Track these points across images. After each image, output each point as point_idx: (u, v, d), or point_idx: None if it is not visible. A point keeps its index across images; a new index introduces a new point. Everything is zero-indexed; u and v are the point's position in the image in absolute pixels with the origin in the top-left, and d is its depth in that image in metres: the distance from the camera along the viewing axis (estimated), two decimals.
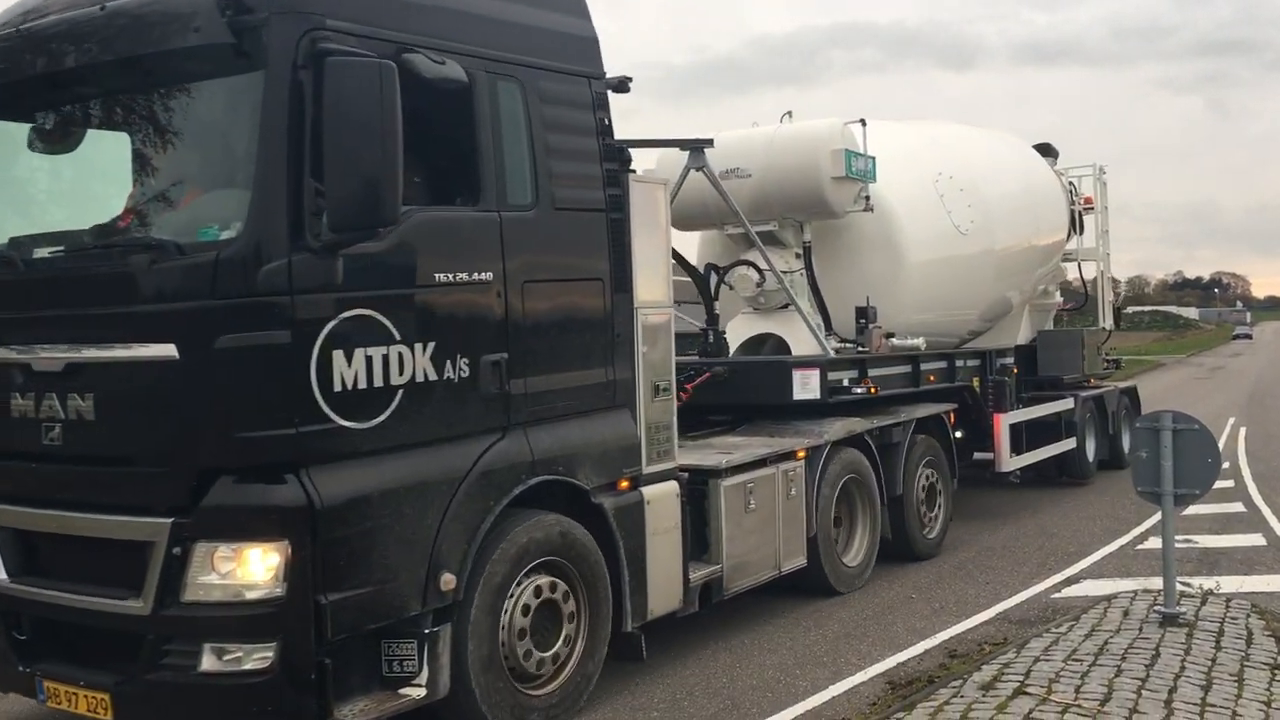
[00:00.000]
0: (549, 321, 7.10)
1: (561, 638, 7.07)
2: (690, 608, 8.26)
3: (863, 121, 11.91)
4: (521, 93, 6.98)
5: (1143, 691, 7.01)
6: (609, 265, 7.58)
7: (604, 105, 7.63)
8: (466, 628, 6.44)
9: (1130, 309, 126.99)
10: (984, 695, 6.99)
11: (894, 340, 12.01)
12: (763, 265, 12.01)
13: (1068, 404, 16.04)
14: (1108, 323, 18.48)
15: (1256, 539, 12.72)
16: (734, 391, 10.70)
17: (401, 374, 6.14)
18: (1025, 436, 14.85)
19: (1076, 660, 7.67)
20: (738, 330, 12.60)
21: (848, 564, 10.36)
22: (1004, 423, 13.76)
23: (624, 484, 7.65)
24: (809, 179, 11.65)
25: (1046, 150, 18.01)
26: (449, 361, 6.41)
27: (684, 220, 12.41)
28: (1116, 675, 7.33)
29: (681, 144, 11.40)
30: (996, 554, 12.11)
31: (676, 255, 11.41)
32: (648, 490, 7.81)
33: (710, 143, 11.36)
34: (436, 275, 6.38)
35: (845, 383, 10.96)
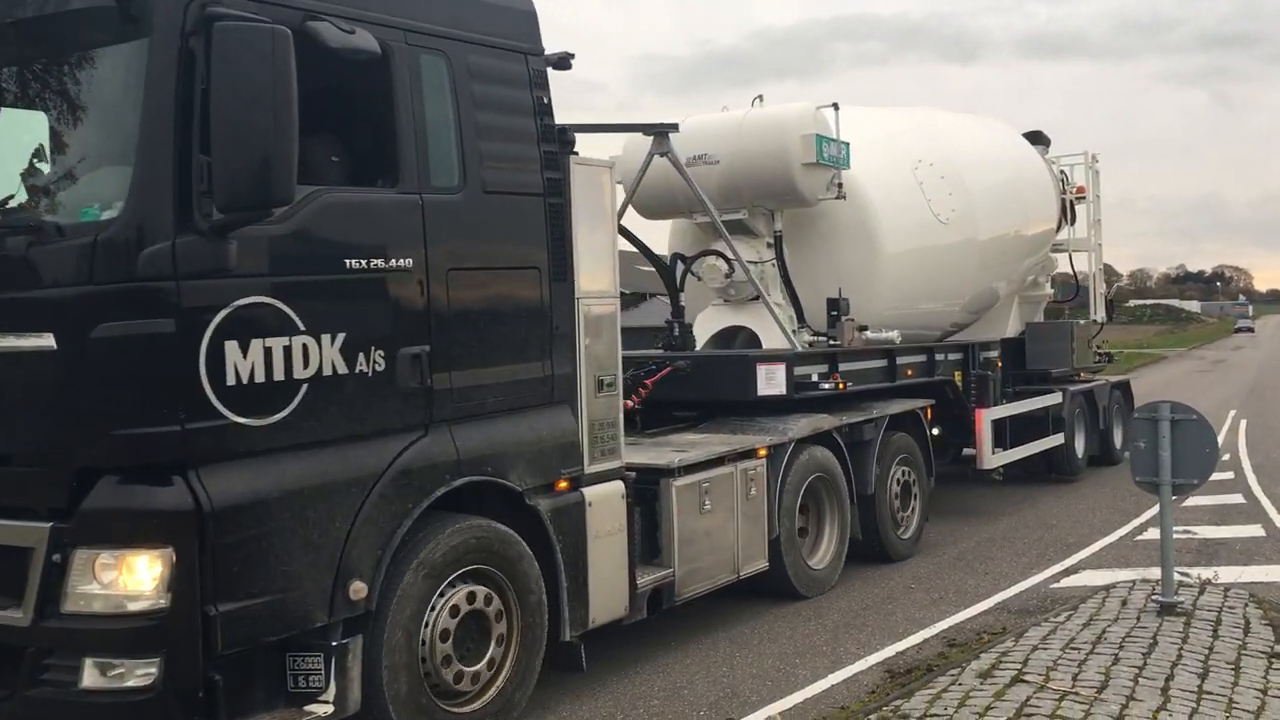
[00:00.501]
0: (478, 312, 6.66)
1: (490, 650, 6.62)
2: (637, 615, 7.82)
3: (835, 106, 11.45)
4: (448, 67, 6.53)
5: (1139, 679, 7.04)
6: (547, 253, 7.13)
7: (542, 83, 7.18)
8: (381, 640, 6.00)
9: (1132, 302, 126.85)
10: (982, 683, 7.04)
11: (868, 333, 11.56)
12: (731, 255, 11.58)
13: (1055, 399, 15.58)
14: (1100, 315, 18.00)
15: (1256, 530, 12.69)
16: (697, 387, 10.26)
17: (306, 367, 5.70)
18: (1010, 432, 14.42)
19: (1074, 649, 7.70)
20: (707, 323, 12.16)
21: (814, 567, 9.91)
22: (986, 418, 13.32)
23: (563, 485, 7.21)
24: (778, 165, 11.21)
25: (1037, 138, 17.56)
26: (362, 354, 5.96)
27: (651, 208, 12.01)
28: (1114, 663, 7.36)
29: (645, 129, 10.96)
30: (996, 545, 12.14)
31: (640, 245, 11.01)
32: (590, 491, 7.37)
33: (675, 127, 10.92)
34: (348, 261, 5.93)
35: (814, 378, 10.52)
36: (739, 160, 11.36)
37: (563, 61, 7.49)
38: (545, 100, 7.18)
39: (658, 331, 11.59)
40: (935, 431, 12.15)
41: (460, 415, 6.54)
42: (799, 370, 10.28)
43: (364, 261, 5.98)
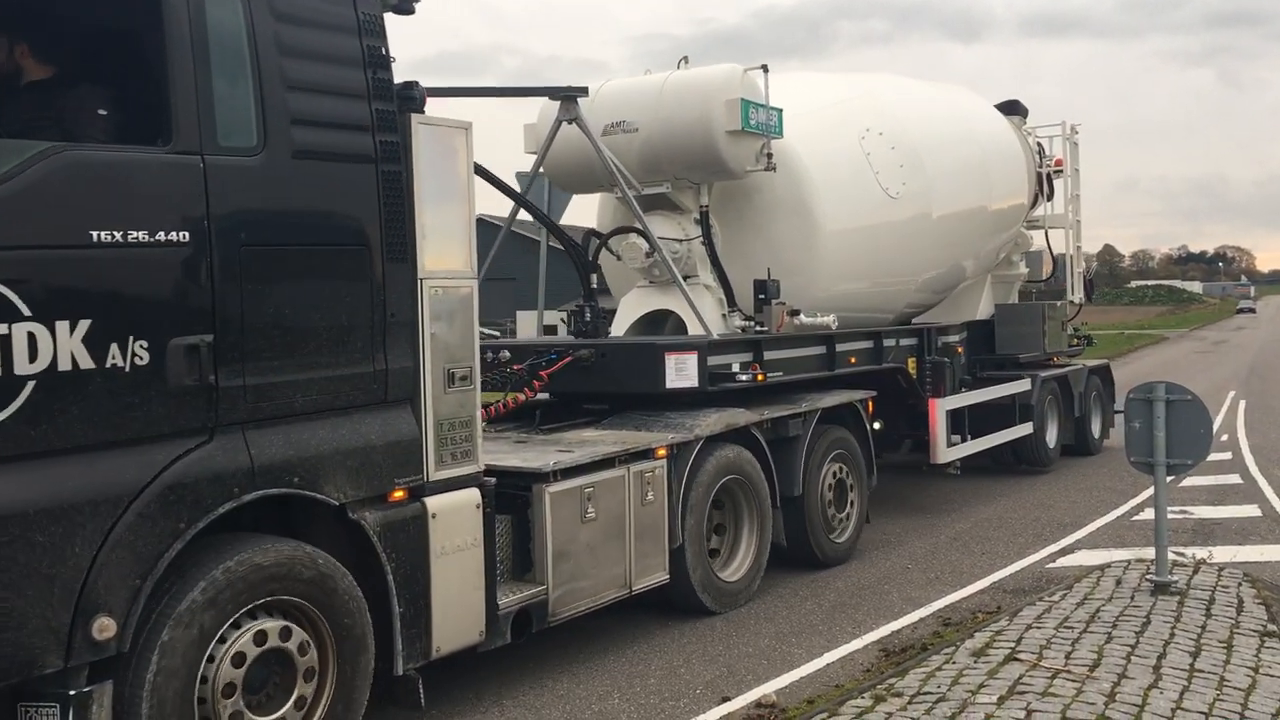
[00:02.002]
0: (283, 297, 5.67)
1: (295, 695, 5.65)
2: (497, 640, 6.86)
3: (765, 68, 10.42)
4: (244, 6, 5.53)
5: (1132, 658, 7.10)
6: (379, 228, 6.15)
7: (376, 30, 6.19)
8: (141, 687, 5.03)
9: (1134, 283, 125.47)
10: (975, 662, 7.11)
11: (801, 318, 10.55)
12: (658, 233, 10.60)
13: (1023, 385, 14.60)
14: (1077, 296, 16.98)
15: (1252, 510, 12.73)
16: (602, 378, 9.29)
17: (32, 360, 4.71)
18: (970, 423, 13.47)
19: (1068, 628, 7.76)
20: (631, 306, 11.21)
21: (727, 578, 8.94)
22: (940, 409, 12.34)
23: (398, 495, 6.23)
24: (700, 133, 10.21)
25: (1013, 108, 16.57)
26: (116, 345, 4.98)
27: (569, 181, 11.07)
28: (1107, 642, 7.42)
29: (550, 92, 9.98)
30: (993, 525, 12.16)
31: (545, 219, 10.03)
32: (435, 501, 6.40)
33: (584, 91, 9.94)
34: (95, 233, 4.93)
35: (736, 368, 9.53)
36: (659, 128, 10.38)
37: (403, 5, 6.48)
38: (380, 50, 6.19)
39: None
40: (877, 426, 11.15)
41: (259, 417, 5.56)
42: (715, 360, 9.30)
43: (118, 233, 4.99)
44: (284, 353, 5.66)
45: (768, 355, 9.93)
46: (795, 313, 10.44)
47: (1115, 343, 46.13)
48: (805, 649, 8.07)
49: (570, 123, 9.94)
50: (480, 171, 9.68)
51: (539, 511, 7.22)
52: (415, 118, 6.42)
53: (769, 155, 10.43)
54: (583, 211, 28.23)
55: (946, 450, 12.40)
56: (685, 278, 10.90)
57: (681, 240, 10.75)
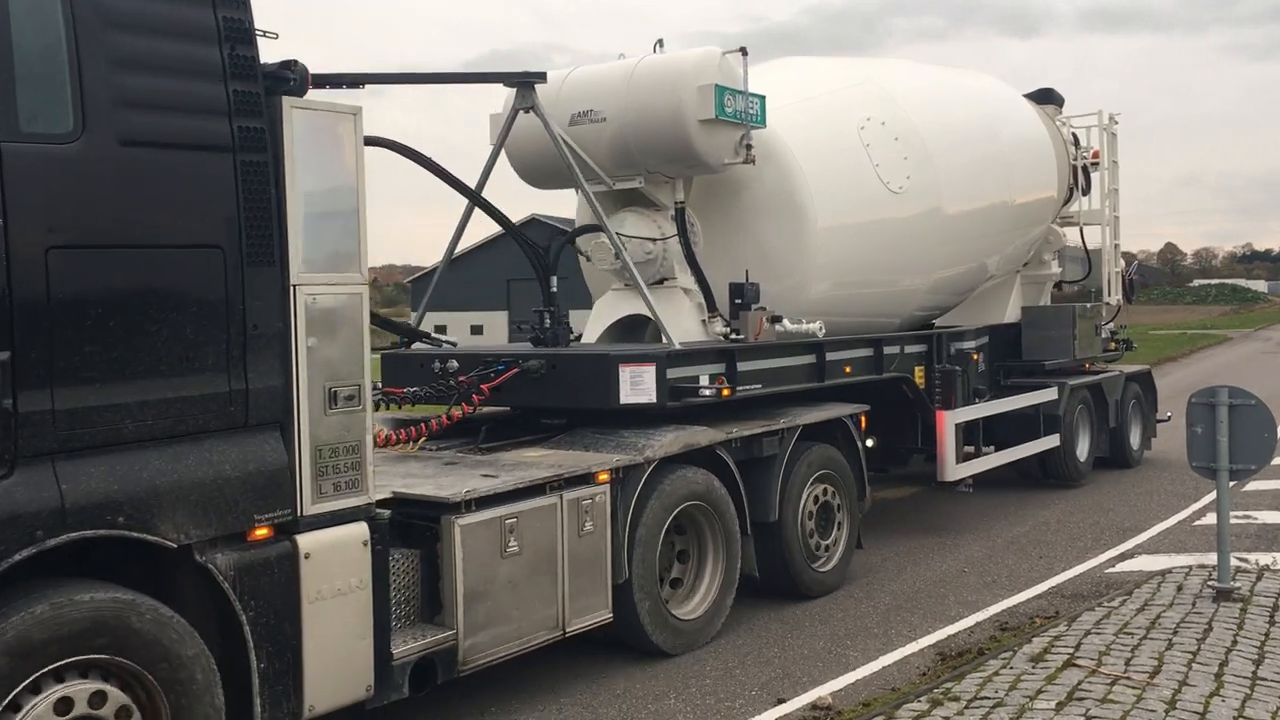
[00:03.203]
0: (106, 307, 4.91)
1: None
2: (390, 694, 6.06)
3: (744, 51, 9.52)
4: None
5: (1193, 664, 7.01)
6: (237, 227, 5.37)
7: (236, 1, 5.39)
8: None
9: (1197, 282, 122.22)
10: (1033, 667, 7.06)
11: (786, 324, 9.65)
12: (633, 233, 9.80)
13: (1049, 394, 13.55)
14: (1114, 296, 15.87)
15: None
16: (552, 392, 8.45)
17: None
18: (994, 435, 12.51)
19: (1128, 634, 7.69)
20: (605, 311, 10.40)
21: (684, 615, 8.06)
22: (949, 422, 11.35)
23: (260, 533, 5.45)
24: (671, 123, 9.35)
25: (1047, 96, 15.56)
26: None
27: (535, 176, 10.26)
28: (1167, 648, 7.34)
29: (505, 79, 9.15)
30: (1051, 529, 11.98)
31: (500, 217, 9.20)
32: (309, 539, 5.61)
33: (541, 77, 9.12)
34: None
35: (705, 381, 8.65)
36: (629, 117, 9.54)
37: None
38: (241, 22, 5.42)
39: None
40: (870, 443, 10.20)
41: (74, 447, 4.79)
42: (678, 373, 8.42)
43: None
44: (108, 371, 4.89)
45: (743, 366, 9.04)
46: (777, 319, 9.54)
47: (1176, 343, 44.58)
48: (861, 652, 8.04)
49: (527, 111, 9.13)
50: (433, 167, 8.94)
51: (448, 546, 6.41)
52: (289, 101, 5.64)
53: (748, 146, 9.54)
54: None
55: (956, 467, 11.42)
56: (661, 280, 10.10)
57: (656, 240, 9.88)
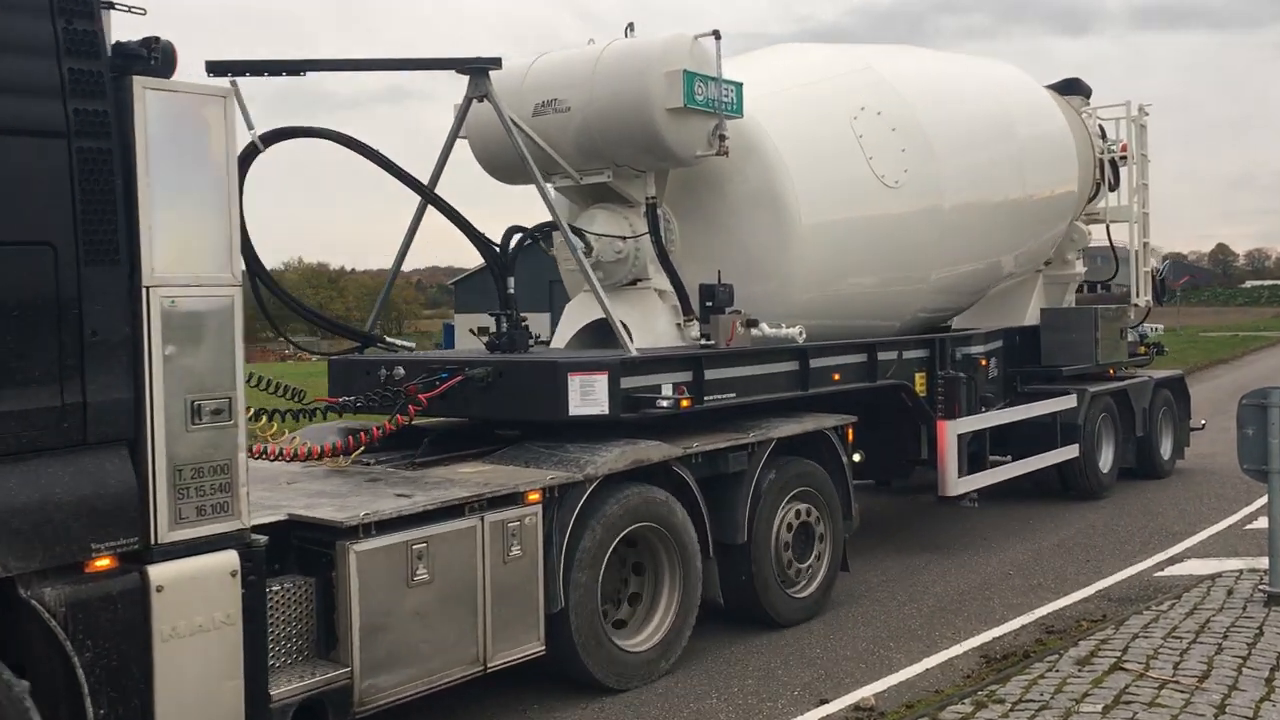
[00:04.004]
0: None
1: None
2: None
3: (716, 34, 8.84)
4: None
5: (1243, 669, 6.93)
6: (71, 221, 4.78)
7: None
8: None
9: (1249, 283, 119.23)
10: (1080, 670, 7.02)
11: (764, 328, 8.95)
12: (602, 230, 9.16)
13: (1068, 402, 12.73)
14: (1143, 298, 14.98)
15: None
16: (499, 402, 7.82)
17: None
18: (1002, 446, 11.75)
19: (1176, 638, 7.62)
20: (575, 314, 9.76)
21: (634, 646, 7.39)
22: (950, 433, 10.59)
23: (100, 564, 4.85)
24: (637, 112, 8.70)
25: (1072, 87, 14.77)
26: None
27: (501, 169, 9.64)
28: (1217, 653, 7.27)
29: (457, 65, 8.52)
30: (1099, 532, 11.82)
31: (454, 214, 8.59)
32: (163, 570, 5.01)
33: (496, 63, 8.50)
34: None
35: (668, 391, 7.98)
36: (594, 107, 8.90)
37: None
38: None
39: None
40: (857, 457, 9.46)
41: None
42: (636, 381, 7.77)
43: None
44: None
45: (712, 375, 8.36)
46: (753, 323, 8.85)
47: (1228, 345, 43.26)
48: (904, 653, 7.97)
49: (481, 100, 8.51)
50: (380, 160, 8.37)
51: (343, 575, 5.80)
52: (142, 82, 5.03)
53: (722, 137, 8.86)
54: None
55: (958, 481, 10.64)
56: (634, 281, 9.45)
57: (626, 238, 9.22)
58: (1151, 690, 6.62)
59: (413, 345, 9.32)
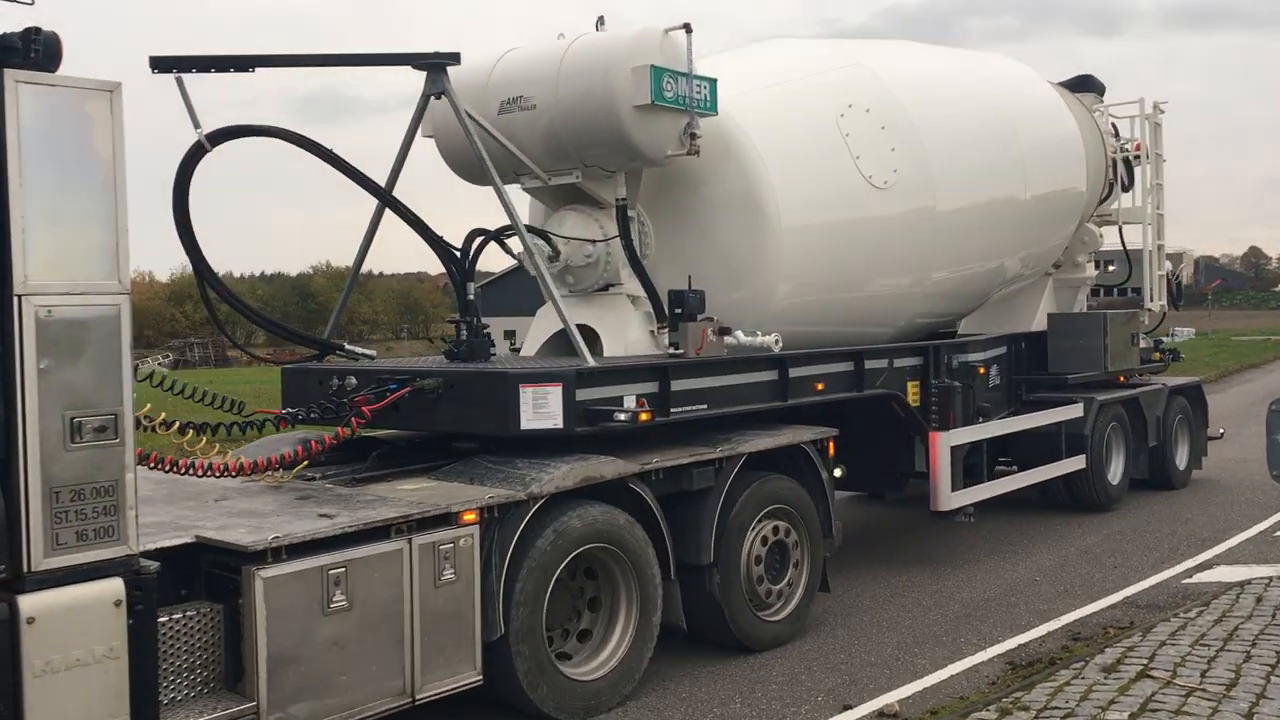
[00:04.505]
0: None
1: None
2: None
3: (687, 27, 8.41)
4: None
5: (1271, 678, 6.88)
6: None
7: None
8: None
9: None
10: (1106, 677, 6.97)
11: (739, 336, 8.51)
12: (572, 233, 8.79)
13: (1073, 411, 12.21)
14: (1157, 302, 14.43)
15: None
16: (449, 414, 7.43)
17: None
18: (992, 459, 11.27)
19: (1204, 645, 7.56)
20: (546, 321, 9.36)
21: (585, 675, 6.95)
22: (943, 444, 10.11)
23: None
24: (603, 109, 8.30)
25: (1084, 84, 14.26)
26: None
27: (469, 170, 9.22)
28: (1245, 660, 7.21)
29: (414, 60, 8.14)
30: (1126, 538, 11.71)
31: (412, 216, 8.21)
32: (34, 601, 4.65)
33: (455, 58, 8.13)
34: None
35: (630, 403, 7.57)
36: (560, 104, 8.50)
37: None
38: None
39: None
40: (838, 472, 9.00)
41: None
42: (593, 394, 7.35)
43: None
44: None
45: (680, 385, 7.93)
46: (725, 331, 8.41)
47: (1260, 349, 42.46)
48: (929, 659, 7.93)
49: (439, 98, 8.14)
50: (333, 159, 8.01)
51: (249, 602, 5.41)
52: (14, 75, 4.68)
53: (692, 135, 8.43)
54: None
55: (951, 495, 10.16)
56: (607, 286, 9.04)
57: (595, 241, 8.82)
58: (1178, 698, 6.54)
59: (374, 353, 8.95)
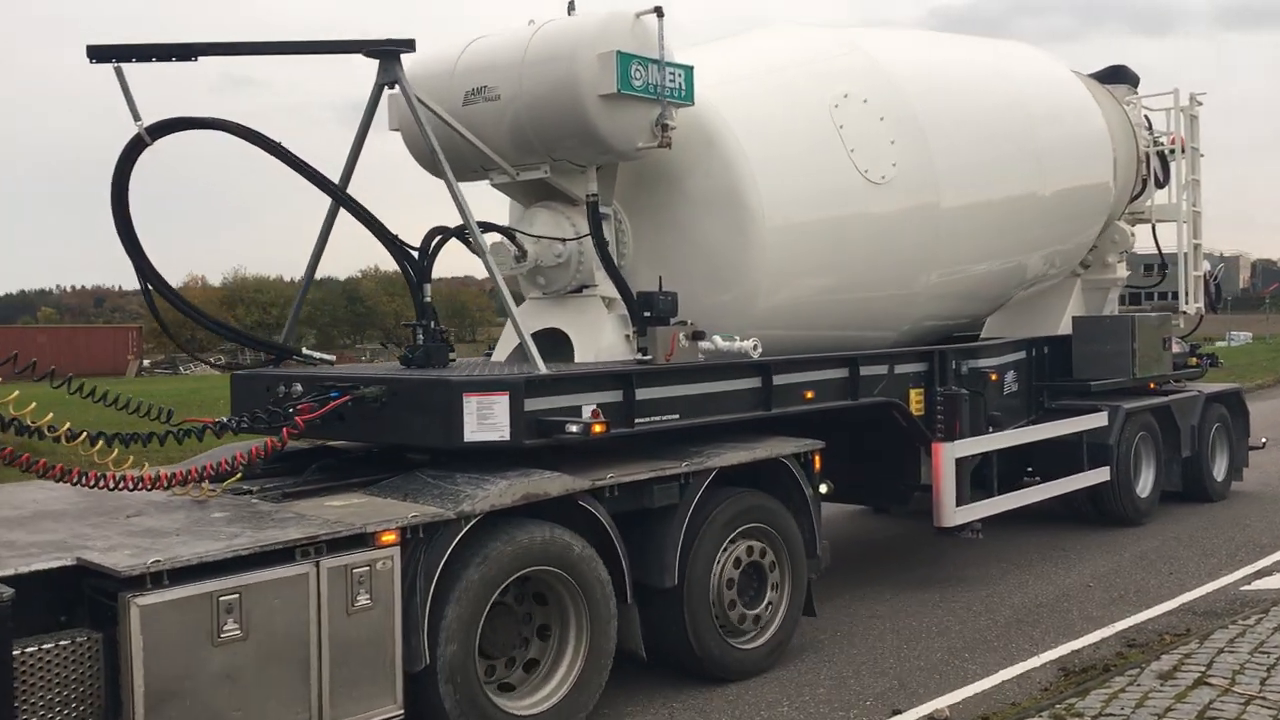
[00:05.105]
0: None
1: None
2: None
3: (659, 11, 7.88)
4: None
5: None
6: None
7: None
8: None
9: None
10: (1162, 684, 6.90)
11: (717, 341, 7.96)
12: (543, 231, 8.30)
13: (1096, 420, 11.53)
14: (1192, 305, 13.67)
15: None
16: (392, 425, 6.96)
17: None
18: (1016, 471, 10.65)
19: (1263, 653, 7.48)
20: (522, 321, 8.78)
21: (523, 711, 6.40)
22: (948, 456, 9.49)
23: None
24: (567, 99, 7.79)
25: (1117, 75, 13.57)
26: None
27: (435, 165, 8.67)
28: None
29: (365, 48, 7.68)
30: (1183, 544, 11.48)
31: (366, 214, 7.75)
32: None
33: (410, 45, 7.67)
34: None
35: (588, 415, 7.05)
36: (523, 95, 8.00)
37: None
38: None
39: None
40: (824, 488, 8.41)
41: None
42: (546, 403, 6.83)
43: None
44: None
45: (647, 394, 7.40)
46: (698, 335, 7.86)
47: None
48: (980, 665, 7.84)
49: (391, 87, 7.68)
50: (282, 154, 7.57)
51: (124, 631, 4.95)
52: None
53: (664, 127, 7.90)
54: None
55: (956, 510, 9.53)
56: (580, 288, 8.52)
57: (565, 240, 8.31)
58: (1237, 706, 6.46)
59: (333, 359, 8.50)
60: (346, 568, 5.62)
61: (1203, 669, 7.15)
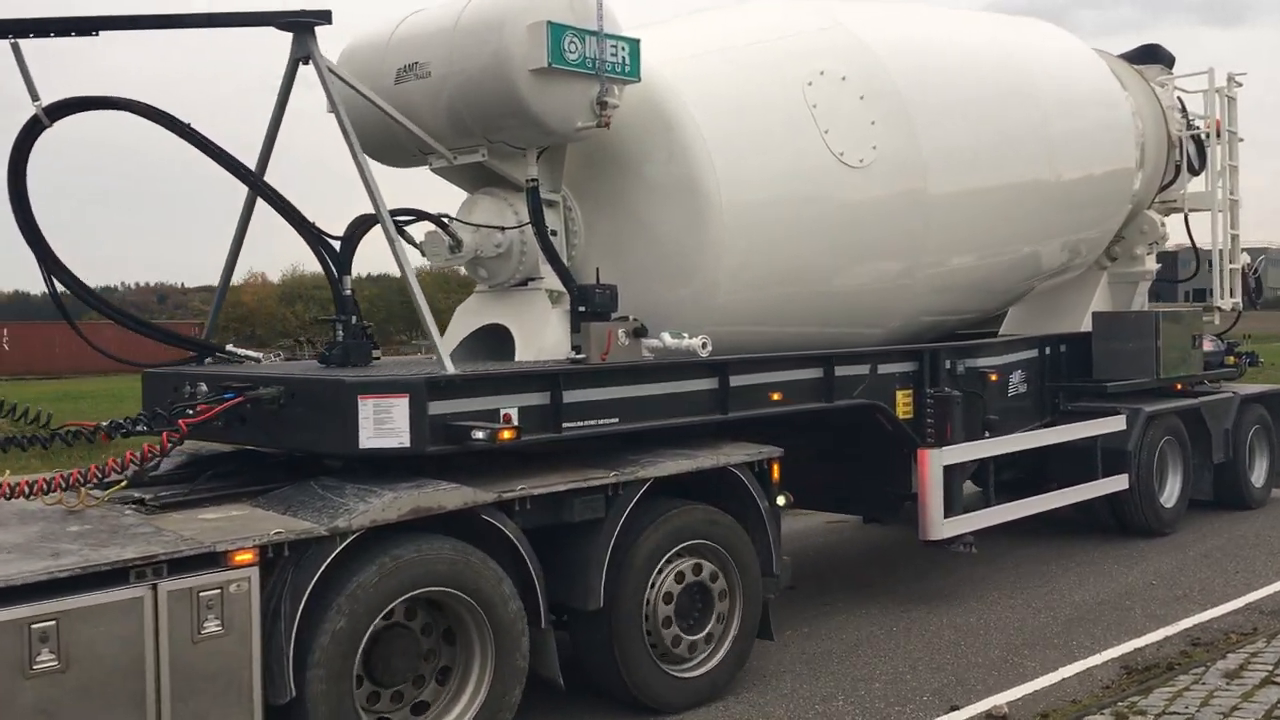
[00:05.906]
0: None
1: None
2: None
3: None
4: None
5: None
6: None
7: None
8: None
9: None
10: (1228, 683, 6.81)
11: (664, 339, 7.30)
12: (483, 220, 7.70)
13: (1113, 424, 10.69)
14: (1228, 300, 12.75)
15: None
16: (288, 429, 6.38)
17: None
18: (999, 481, 9.83)
19: None
20: (465, 319, 8.30)
21: None
22: (934, 463, 8.74)
23: None
24: (495, 74, 7.17)
25: (1150, 55, 12.73)
26: None
27: (377, 149, 8.21)
28: None
29: (277, 20, 7.11)
30: (1249, 543, 11.26)
31: (281, 201, 7.20)
32: None
33: (326, 16, 7.07)
34: None
35: (512, 420, 6.42)
36: (454, 71, 7.40)
37: None
38: None
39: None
40: (782, 500, 7.69)
41: None
42: (455, 407, 6.21)
43: None
44: None
45: (579, 396, 6.75)
46: (640, 332, 7.20)
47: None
48: (1039, 662, 7.74)
49: (306, 63, 7.10)
50: (193, 136, 7.03)
51: None
52: None
53: (603, 105, 7.24)
54: None
55: (943, 522, 8.77)
56: (525, 281, 7.90)
57: (505, 229, 7.69)
58: None
59: (259, 356, 7.95)
60: (191, 590, 5.04)
61: (1270, 668, 7.05)
